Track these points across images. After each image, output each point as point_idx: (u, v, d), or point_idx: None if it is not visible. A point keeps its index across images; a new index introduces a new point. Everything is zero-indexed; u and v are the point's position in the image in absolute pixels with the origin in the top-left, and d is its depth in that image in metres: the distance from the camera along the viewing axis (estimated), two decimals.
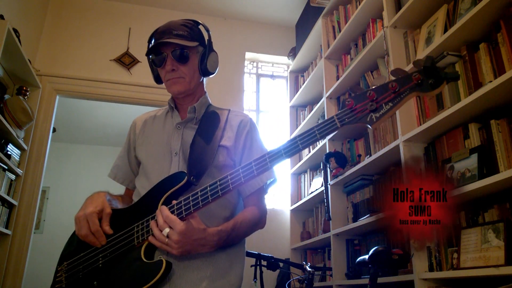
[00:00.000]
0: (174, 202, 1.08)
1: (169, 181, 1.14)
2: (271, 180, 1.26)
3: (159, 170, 1.23)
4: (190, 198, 1.06)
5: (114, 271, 1.11)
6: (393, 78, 0.91)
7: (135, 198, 1.27)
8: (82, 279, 1.15)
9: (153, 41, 1.29)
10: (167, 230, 1.02)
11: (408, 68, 2.02)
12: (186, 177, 1.11)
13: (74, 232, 1.22)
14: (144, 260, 1.07)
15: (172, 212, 1.06)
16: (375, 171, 2.46)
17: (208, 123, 1.29)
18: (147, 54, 1.30)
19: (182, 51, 1.25)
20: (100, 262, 1.13)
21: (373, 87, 0.91)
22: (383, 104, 0.89)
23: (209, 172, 1.19)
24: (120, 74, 3.60)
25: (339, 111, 0.94)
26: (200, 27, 1.33)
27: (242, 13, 4.02)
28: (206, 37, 1.33)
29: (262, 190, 1.27)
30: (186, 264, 1.12)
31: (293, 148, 0.97)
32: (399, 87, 0.88)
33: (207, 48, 1.31)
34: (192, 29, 1.28)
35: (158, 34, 1.27)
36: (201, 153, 1.21)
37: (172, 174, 1.16)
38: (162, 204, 1.10)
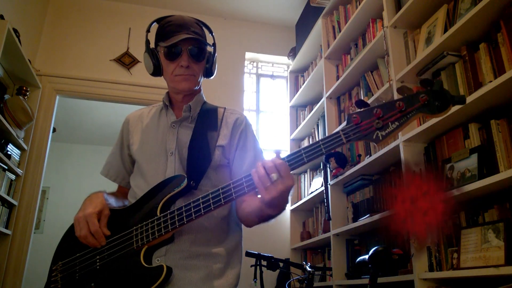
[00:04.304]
0: (175, 207, 1.08)
1: (168, 183, 1.13)
2: None
3: (154, 170, 1.22)
4: (192, 205, 1.05)
5: (112, 273, 1.10)
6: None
7: (131, 198, 1.26)
8: (78, 280, 1.14)
9: (166, 31, 1.24)
10: (275, 176, 0.96)
11: (408, 68, 2.02)
12: (185, 181, 1.11)
13: (67, 231, 1.22)
14: (144, 264, 1.07)
15: (173, 218, 1.06)
16: (375, 171, 2.46)
17: (204, 122, 1.28)
18: (158, 42, 1.27)
19: (200, 50, 1.25)
20: (98, 263, 1.12)
21: (379, 103, 0.91)
22: (390, 123, 0.89)
23: (206, 173, 1.19)
24: (120, 74, 3.60)
25: (345, 126, 0.93)
26: (204, 28, 1.34)
27: (242, 13, 4.02)
28: (210, 39, 1.34)
29: None
30: (184, 265, 1.12)
31: (298, 161, 0.97)
32: (405, 106, 0.88)
33: (214, 51, 1.33)
34: (202, 29, 1.31)
35: (173, 26, 1.24)
36: (199, 155, 1.20)
37: (171, 176, 1.16)
38: (161, 207, 1.10)
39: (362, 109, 0.93)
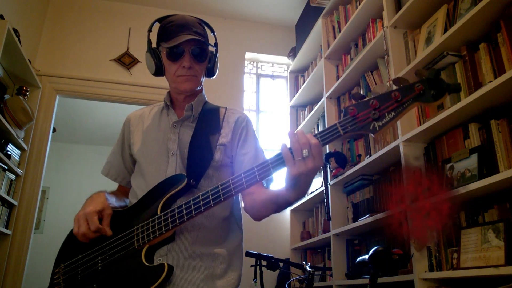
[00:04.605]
0: (175, 206, 1.08)
1: (168, 183, 1.14)
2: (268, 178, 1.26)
3: (155, 170, 1.22)
4: (191, 202, 1.05)
5: (114, 273, 1.10)
6: (394, 86, 0.92)
7: (131, 198, 1.26)
8: (81, 281, 1.14)
9: (168, 31, 1.24)
10: (306, 152, 0.93)
11: (408, 68, 2.02)
12: (185, 180, 1.11)
13: (69, 234, 1.22)
14: (145, 263, 1.07)
15: (173, 216, 1.06)
16: (375, 171, 2.46)
17: (206, 121, 1.28)
18: (160, 42, 1.26)
19: (202, 50, 1.25)
20: (99, 264, 1.12)
21: (376, 95, 0.91)
22: (386, 113, 0.89)
23: (207, 173, 1.19)
24: (120, 74, 3.60)
25: (342, 119, 0.93)
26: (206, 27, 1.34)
27: (242, 13, 4.02)
28: (212, 39, 1.34)
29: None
30: (185, 265, 1.12)
31: None
32: (401, 96, 0.88)
33: (216, 50, 1.33)
34: (204, 28, 1.30)
35: (175, 26, 1.23)
36: (199, 154, 1.20)
37: (171, 176, 1.16)
38: (162, 206, 1.10)
39: (358, 101, 0.93)
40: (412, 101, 0.88)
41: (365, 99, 0.92)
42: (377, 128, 0.90)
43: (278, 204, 1.13)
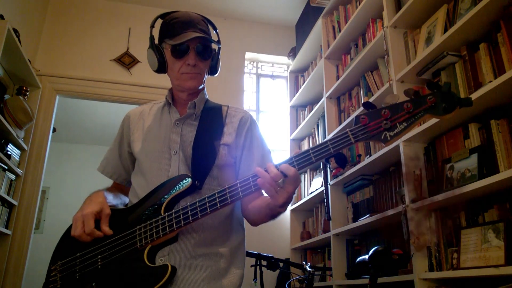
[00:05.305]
0: (179, 207, 1.08)
1: (172, 183, 1.13)
2: None
3: (157, 169, 1.21)
4: (197, 204, 1.05)
5: (115, 273, 1.09)
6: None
7: (132, 197, 1.26)
8: (79, 280, 1.13)
9: (172, 28, 1.23)
10: (281, 181, 1.01)
11: (408, 68, 2.02)
12: (190, 181, 1.11)
13: (66, 231, 1.21)
14: (148, 264, 1.06)
15: (178, 217, 1.06)
16: (375, 171, 2.46)
17: (208, 120, 1.27)
18: (163, 39, 1.25)
19: (207, 48, 1.24)
20: (99, 263, 1.11)
21: (387, 105, 0.93)
22: (398, 124, 0.91)
23: (211, 172, 1.19)
24: (120, 74, 3.60)
25: (353, 127, 0.95)
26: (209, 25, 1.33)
27: (242, 13, 4.02)
28: (214, 36, 1.34)
29: None
30: (187, 265, 1.12)
31: (305, 160, 0.98)
32: (413, 108, 0.90)
33: (219, 48, 1.33)
34: (207, 26, 1.30)
35: (180, 23, 1.22)
36: (203, 153, 1.20)
37: (175, 176, 1.15)
38: (165, 207, 1.10)
39: (369, 110, 0.93)
40: (424, 112, 0.90)
41: (377, 109, 0.93)
42: (389, 138, 0.91)
43: (273, 216, 1.17)
